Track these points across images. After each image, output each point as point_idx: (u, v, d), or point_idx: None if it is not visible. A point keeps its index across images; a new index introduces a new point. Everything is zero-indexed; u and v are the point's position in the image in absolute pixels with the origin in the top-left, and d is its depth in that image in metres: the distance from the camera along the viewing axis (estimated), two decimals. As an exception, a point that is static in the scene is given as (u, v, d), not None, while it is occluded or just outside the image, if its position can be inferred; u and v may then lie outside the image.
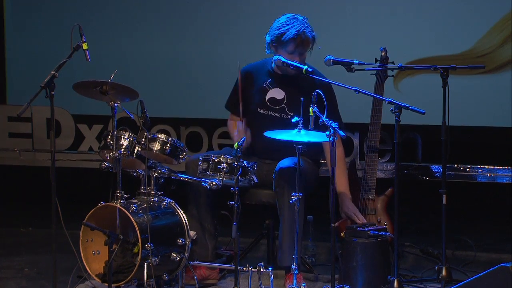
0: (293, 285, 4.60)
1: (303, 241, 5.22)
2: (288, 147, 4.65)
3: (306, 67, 4.84)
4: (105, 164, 4.83)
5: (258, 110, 5.19)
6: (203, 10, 6.95)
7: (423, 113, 4.58)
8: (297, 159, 4.65)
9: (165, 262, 4.67)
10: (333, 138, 4.38)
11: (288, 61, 4.96)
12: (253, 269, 4.65)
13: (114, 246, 4.50)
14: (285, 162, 4.91)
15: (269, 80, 5.19)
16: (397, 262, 4.67)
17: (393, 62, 5.37)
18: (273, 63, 5.11)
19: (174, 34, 6.99)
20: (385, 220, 5.24)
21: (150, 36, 7.02)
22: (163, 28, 7.04)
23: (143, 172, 4.80)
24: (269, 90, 5.19)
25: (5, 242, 6.18)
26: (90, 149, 7.01)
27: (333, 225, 4.41)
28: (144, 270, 4.54)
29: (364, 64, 5.08)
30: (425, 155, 6.41)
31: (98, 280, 4.68)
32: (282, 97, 5.17)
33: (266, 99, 5.18)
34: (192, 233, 4.81)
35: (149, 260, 4.54)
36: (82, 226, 4.63)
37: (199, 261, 4.92)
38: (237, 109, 5.14)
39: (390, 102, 4.64)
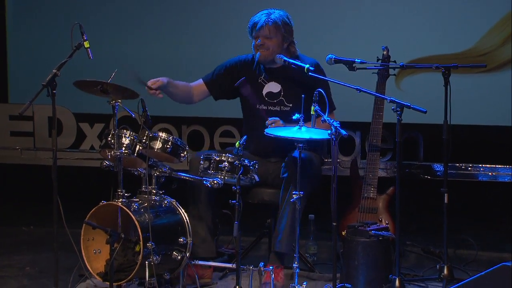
0: (270, 281, 4.67)
1: (303, 239, 5.23)
2: (292, 144, 4.66)
3: (308, 65, 4.85)
4: (106, 163, 4.83)
5: (257, 106, 5.21)
6: (204, 9, 6.96)
7: (425, 112, 4.58)
8: (309, 153, 4.82)
9: (166, 261, 4.67)
10: (335, 137, 4.38)
11: (290, 60, 5.00)
12: (254, 268, 4.65)
13: (115, 245, 4.50)
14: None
15: (263, 75, 5.21)
16: (398, 261, 4.67)
17: (394, 61, 5.37)
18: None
19: (175, 33, 6.99)
20: (386, 219, 5.24)
21: (151, 35, 7.02)
22: (164, 27, 7.04)
23: (144, 171, 4.79)
24: (265, 85, 5.21)
25: (6, 240, 6.19)
26: (92, 147, 7.01)
27: (334, 223, 4.41)
28: (145, 269, 4.54)
29: (366, 63, 5.08)
30: (426, 154, 6.40)
31: (100, 278, 4.68)
32: (279, 89, 5.19)
33: (264, 94, 5.20)
34: None
35: (151, 259, 4.54)
36: (84, 224, 4.63)
37: (200, 260, 4.92)
38: (211, 81, 5.28)
39: (391, 101, 4.63)
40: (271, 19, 5.09)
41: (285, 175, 4.93)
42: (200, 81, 5.34)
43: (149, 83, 4.97)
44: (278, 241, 4.93)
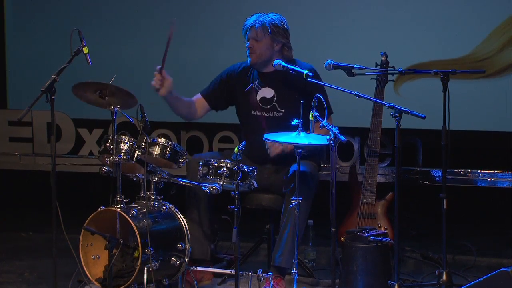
0: (269, 286, 4.65)
1: (302, 245, 5.23)
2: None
3: (306, 71, 4.84)
4: (105, 169, 4.83)
5: (252, 112, 5.21)
6: (204, 14, 6.96)
7: (424, 118, 4.58)
8: (308, 165, 4.80)
9: (165, 266, 4.67)
10: (334, 143, 4.38)
11: (288, 66, 4.99)
12: (253, 274, 4.65)
13: (114, 251, 4.51)
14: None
15: (257, 81, 5.21)
16: (397, 266, 4.66)
17: (393, 67, 5.37)
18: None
19: (175, 38, 6.98)
20: (385, 224, 5.24)
21: (150, 41, 7.01)
22: (163, 32, 7.02)
23: (143, 177, 4.79)
24: (258, 91, 5.21)
25: (5, 246, 6.18)
26: (91, 153, 7.00)
27: (333, 229, 4.41)
28: (144, 275, 4.54)
29: (364, 68, 5.08)
30: (425, 160, 6.40)
31: (98, 284, 4.68)
32: (272, 95, 5.18)
33: (258, 99, 5.20)
34: None
35: (149, 265, 4.54)
36: (82, 230, 4.63)
37: (197, 264, 4.91)
38: (208, 94, 5.28)
39: (390, 107, 4.63)
40: (259, 21, 5.09)
41: (288, 189, 4.92)
42: (199, 95, 5.33)
43: (163, 72, 4.97)
44: (279, 256, 4.91)
